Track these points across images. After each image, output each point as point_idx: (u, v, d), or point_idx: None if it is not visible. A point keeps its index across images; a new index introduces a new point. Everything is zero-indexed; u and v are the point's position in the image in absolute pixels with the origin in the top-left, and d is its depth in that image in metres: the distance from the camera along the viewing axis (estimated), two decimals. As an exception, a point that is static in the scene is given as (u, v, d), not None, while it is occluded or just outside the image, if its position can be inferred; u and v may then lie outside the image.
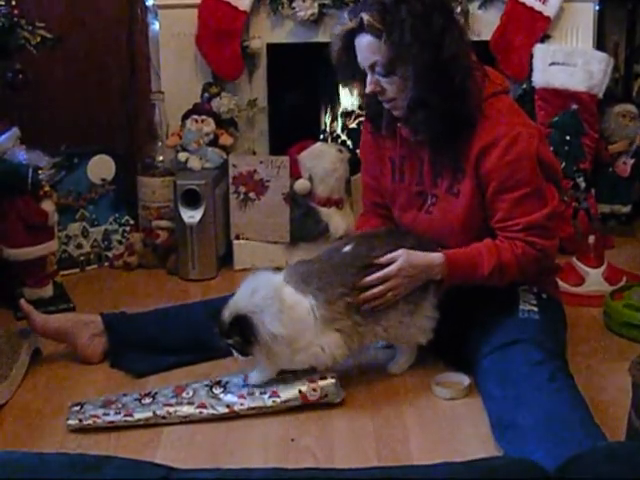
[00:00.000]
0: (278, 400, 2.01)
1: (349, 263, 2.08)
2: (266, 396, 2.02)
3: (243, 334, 1.97)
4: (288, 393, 2.01)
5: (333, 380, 2.03)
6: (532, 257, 2.08)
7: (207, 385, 2.09)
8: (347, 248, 2.12)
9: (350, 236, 2.26)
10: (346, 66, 2.12)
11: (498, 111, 2.08)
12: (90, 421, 1.96)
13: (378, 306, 2.06)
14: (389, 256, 2.07)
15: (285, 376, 2.06)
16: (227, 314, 2.00)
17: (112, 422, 1.97)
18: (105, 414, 1.98)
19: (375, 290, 2.05)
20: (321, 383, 2.02)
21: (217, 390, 2.06)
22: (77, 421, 1.97)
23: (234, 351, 2.03)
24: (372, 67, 2.05)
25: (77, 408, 2.02)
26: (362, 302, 2.05)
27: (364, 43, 2.03)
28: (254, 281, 2.05)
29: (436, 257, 2.08)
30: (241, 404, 2.01)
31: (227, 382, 2.09)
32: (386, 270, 2.06)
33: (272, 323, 1.97)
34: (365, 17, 2.00)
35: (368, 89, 2.09)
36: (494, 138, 2.04)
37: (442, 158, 2.12)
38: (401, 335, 2.13)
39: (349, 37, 2.06)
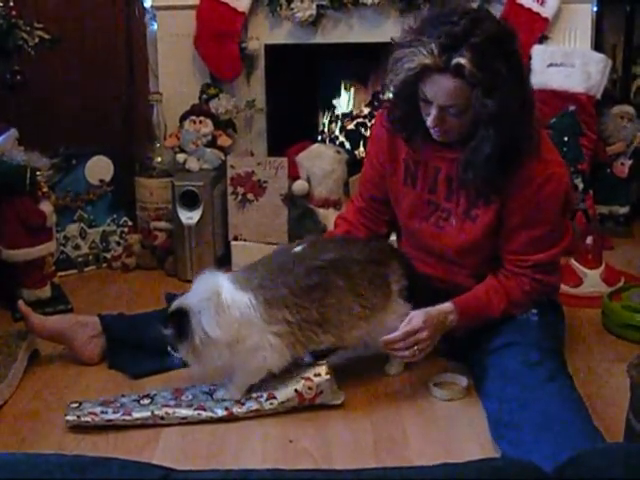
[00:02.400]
0: (275, 402, 2.01)
1: (296, 264, 2.03)
2: (263, 399, 2.02)
3: (178, 327, 1.96)
4: (284, 394, 2.01)
5: (328, 377, 2.03)
6: (538, 291, 2.10)
7: (206, 392, 2.09)
8: (297, 249, 2.09)
9: (304, 238, 2.21)
10: (409, 95, 1.99)
11: (535, 146, 2.00)
12: (88, 418, 1.96)
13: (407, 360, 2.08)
14: (406, 320, 2.00)
15: (281, 376, 2.05)
16: (173, 305, 1.99)
17: (110, 420, 1.97)
18: (103, 412, 1.98)
19: (401, 344, 2.00)
20: (316, 380, 2.02)
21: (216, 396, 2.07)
22: (75, 417, 1.96)
23: (168, 345, 2.01)
24: (445, 107, 1.93)
25: (75, 405, 2.02)
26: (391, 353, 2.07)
27: (447, 86, 1.88)
28: (200, 281, 2.03)
29: (446, 307, 2.05)
30: (239, 407, 2.01)
31: None
32: (413, 324, 1.99)
33: (209, 325, 1.94)
34: (464, 63, 1.83)
35: (431, 123, 1.97)
36: (528, 176, 1.99)
37: (468, 181, 2.02)
38: (371, 340, 2.08)
39: (424, 72, 1.89)
